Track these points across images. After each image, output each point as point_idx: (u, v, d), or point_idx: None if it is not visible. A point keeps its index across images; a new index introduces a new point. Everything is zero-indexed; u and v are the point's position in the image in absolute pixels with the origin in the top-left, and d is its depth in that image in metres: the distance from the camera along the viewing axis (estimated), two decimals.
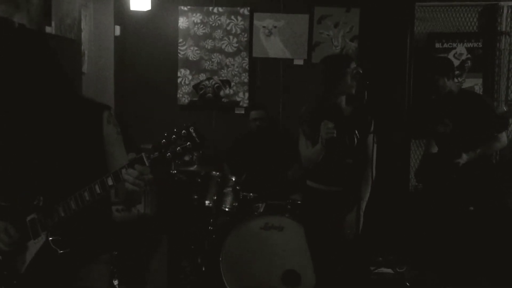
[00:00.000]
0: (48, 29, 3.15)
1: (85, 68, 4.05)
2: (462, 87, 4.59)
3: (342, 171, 2.91)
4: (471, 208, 3.76)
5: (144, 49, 4.88)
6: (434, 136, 3.93)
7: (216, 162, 4.31)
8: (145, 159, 1.51)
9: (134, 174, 1.54)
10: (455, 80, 4.16)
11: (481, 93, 4.58)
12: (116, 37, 4.61)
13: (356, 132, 2.90)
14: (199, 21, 4.87)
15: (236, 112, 4.95)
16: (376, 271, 4.25)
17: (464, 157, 3.62)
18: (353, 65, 2.91)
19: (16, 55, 1.63)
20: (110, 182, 1.58)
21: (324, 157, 2.87)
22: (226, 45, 4.90)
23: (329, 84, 2.92)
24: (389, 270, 4.27)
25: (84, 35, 4.03)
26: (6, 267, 1.77)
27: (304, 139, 2.99)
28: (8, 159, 1.74)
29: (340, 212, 2.95)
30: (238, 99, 4.93)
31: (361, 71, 2.86)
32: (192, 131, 1.47)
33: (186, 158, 1.49)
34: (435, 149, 3.98)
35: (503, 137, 3.74)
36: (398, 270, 4.26)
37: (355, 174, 2.90)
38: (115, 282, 1.78)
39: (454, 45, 4.75)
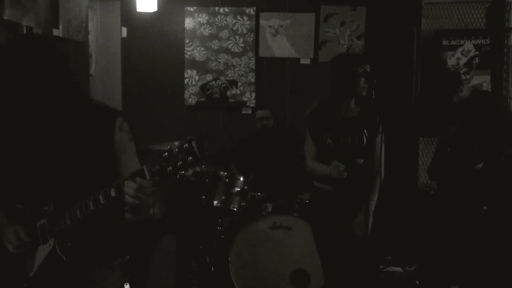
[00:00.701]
0: (55, 32, 3.17)
1: (92, 69, 4.07)
2: (470, 84, 4.57)
3: (351, 172, 2.84)
4: (485, 207, 3.73)
5: (150, 50, 4.90)
6: (445, 136, 3.92)
7: (223, 162, 4.32)
8: (146, 172, 1.49)
9: (134, 187, 1.51)
10: (464, 78, 4.16)
11: (492, 92, 4.52)
12: (123, 39, 4.64)
13: (365, 131, 2.86)
14: (205, 21, 4.88)
15: (243, 112, 4.95)
16: (386, 270, 4.23)
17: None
18: (367, 66, 2.83)
19: (26, 60, 1.62)
20: (113, 193, 1.56)
21: (332, 159, 2.83)
22: (232, 45, 4.90)
23: (339, 85, 2.85)
24: (399, 269, 4.26)
25: (91, 37, 4.05)
26: (17, 269, 1.78)
27: (311, 141, 2.97)
28: (21, 164, 1.74)
29: (348, 213, 2.91)
30: (245, 99, 4.94)
31: (368, 70, 2.81)
32: (194, 145, 1.43)
33: (187, 172, 1.45)
34: (447, 150, 3.97)
35: None
36: (407, 268, 4.24)
37: (364, 175, 2.86)
38: (126, 286, 1.77)
39: (462, 42, 4.72)
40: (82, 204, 1.63)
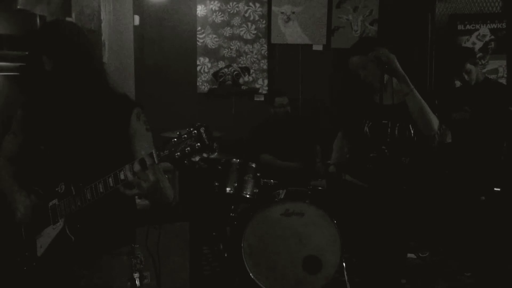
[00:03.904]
0: (68, 20, 3.18)
1: (105, 58, 4.09)
2: (486, 69, 4.52)
3: (397, 170, 2.56)
4: (483, 198, 3.72)
5: (163, 38, 4.91)
6: (449, 122, 3.90)
7: (236, 149, 4.33)
8: (155, 156, 1.51)
9: (135, 170, 1.55)
10: (480, 63, 4.13)
11: (506, 85, 4.47)
12: (135, 27, 4.64)
13: (410, 126, 2.54)
14: (217, 8, 4.87)
15: (256, 99, 4.95)
16: None
17: None
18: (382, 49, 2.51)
19: (61, 44, 1.70)
20: (122, 176, 1.59)
21: (368, 152, 2.57)
22: (244, 32, 4.89)
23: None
24: (412, 255, 4.25)
25: (104, 26, 4.06)
26: (28, 249, 1.83)
27: (341, 137, 2.88)
28: (41, 144, 1.80)
29: (382, 212, 2.62)
30: (258, 86, 4.93)
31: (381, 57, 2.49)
32: (202, 131, 1.45)
33: (195, 158, 1.46)
34: (449, 139, 3.95)
35: None
36: (421, 255, 4.23)
37: (412, 174, 2.57)
38: (136, 275, 1.80)
39: (477, 26, 4.65)
40: (92, 185, 1.67)
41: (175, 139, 1.48)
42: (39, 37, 1.76)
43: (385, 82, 2.52)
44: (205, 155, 1.46)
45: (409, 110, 2.46)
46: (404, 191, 2.62)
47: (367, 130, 2.59)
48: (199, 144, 1.45)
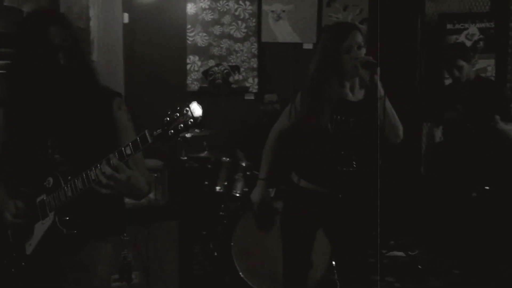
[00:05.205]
0: None
1: (94, 56, 4.06)
2: (474, 68, 4.55)
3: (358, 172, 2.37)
4: (474, 194, 3.75)
5: (152, 36, 4.88)
6: (444, 122, 3.92)
7: (226, 148, 4.32)
8: (148, 136, 1.54)
9: (107, 170, 1.58)
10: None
11: (497, 82, 4.49)
12: (124, 25, 4.61)
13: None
14: (207, 6, 4.85)
15: (246, 97, 4.94)
16: (388, 254, 4.25)
17: (501, 124, 3.47)
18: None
19: (49, 37, 1.67)
20: (115, 161, 1.60)
21: (331, 149, 2.36)
22: (234, 31, 4.88)
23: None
24: (401, 254, 4.27)
25: (93, 23, 4.03)
26: (15, 249, 1.82)
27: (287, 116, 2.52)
28: (24, 140, 1.79)
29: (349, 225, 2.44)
30: (248, 85, 4.92)
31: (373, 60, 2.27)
32: (193, 107, 1.52)
33: (188, 134, 1.54)
34: (437, 138, 3.98)
35: None
36: (410, 253, 4.25)
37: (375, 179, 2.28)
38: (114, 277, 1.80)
39: (466, 25, 4.68)
40: (83, 174, 1.66)
41: (167, 118, 1.52)
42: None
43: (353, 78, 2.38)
44: (197, 130, 1.50)
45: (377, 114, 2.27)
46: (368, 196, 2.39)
47: (330, 126, 2.32)
48: (191, 120, 1.51)
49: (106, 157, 1.61)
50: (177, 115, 1.51)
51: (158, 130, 1.52)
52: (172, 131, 1.51)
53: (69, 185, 1.70)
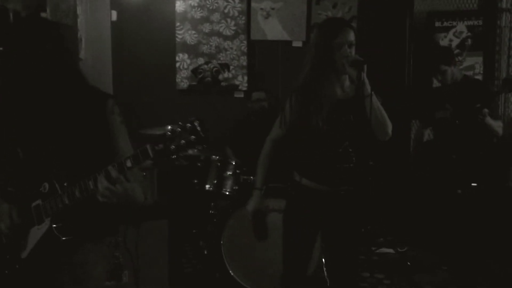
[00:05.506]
0: (43, 15, 3.12)
1: (82, 54, 4.03)
2: (462, 66, 4.59)
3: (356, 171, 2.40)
4: (459, 191, 3.78)
5: (141, 34, 4.85)
6: (433, 122, 3.95)
7: (216, 146, 4.31)
8: (149, 151, 1.52)
9: (105, 185, 1.57)
10: (457, 59, 4.18)
11: (483, 81, 4.53)
12: (112, 22, 4.58)
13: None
14: (196, 4, 4.83)
15: (235, 95, 4.93)
16: (378, 251, 4.27)
17: (488, 119, 3.52)
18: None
19: (33, 40, 1.66)
20: (114, 174, 1.58)
21: (323, 147, 2.39)
22: (224, 28, 4.86)
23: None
24: (391, 250, 4.29)
25: (80, 21, 4.00)
26: (9, 251, 1.80)
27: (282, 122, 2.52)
28: (16, 146, 1.76)
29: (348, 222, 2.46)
30: (237, 83, 4.91)
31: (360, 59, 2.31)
32: (196, 124, 1.49)
33: (190, 151, 1.51)
34: (426, 137, 4.02)
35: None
36: (399, 250, 4.28)
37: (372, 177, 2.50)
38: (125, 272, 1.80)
39: (454, 23, 4.70)
40: (81, 183, 1.65)
41: (169, 133, 1.50)
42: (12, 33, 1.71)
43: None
44: (199, 147, 1.49)
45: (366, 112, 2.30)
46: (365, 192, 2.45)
47: (321, 124, 2.33)
48: (194, 137, 1.49)
49: (105, 168, 1.59)
50: (179, 130, 1.50)
51: (160, 145, 1.51)
52: (174, 146, 1.49)
53: (66, 193, 1.68)
